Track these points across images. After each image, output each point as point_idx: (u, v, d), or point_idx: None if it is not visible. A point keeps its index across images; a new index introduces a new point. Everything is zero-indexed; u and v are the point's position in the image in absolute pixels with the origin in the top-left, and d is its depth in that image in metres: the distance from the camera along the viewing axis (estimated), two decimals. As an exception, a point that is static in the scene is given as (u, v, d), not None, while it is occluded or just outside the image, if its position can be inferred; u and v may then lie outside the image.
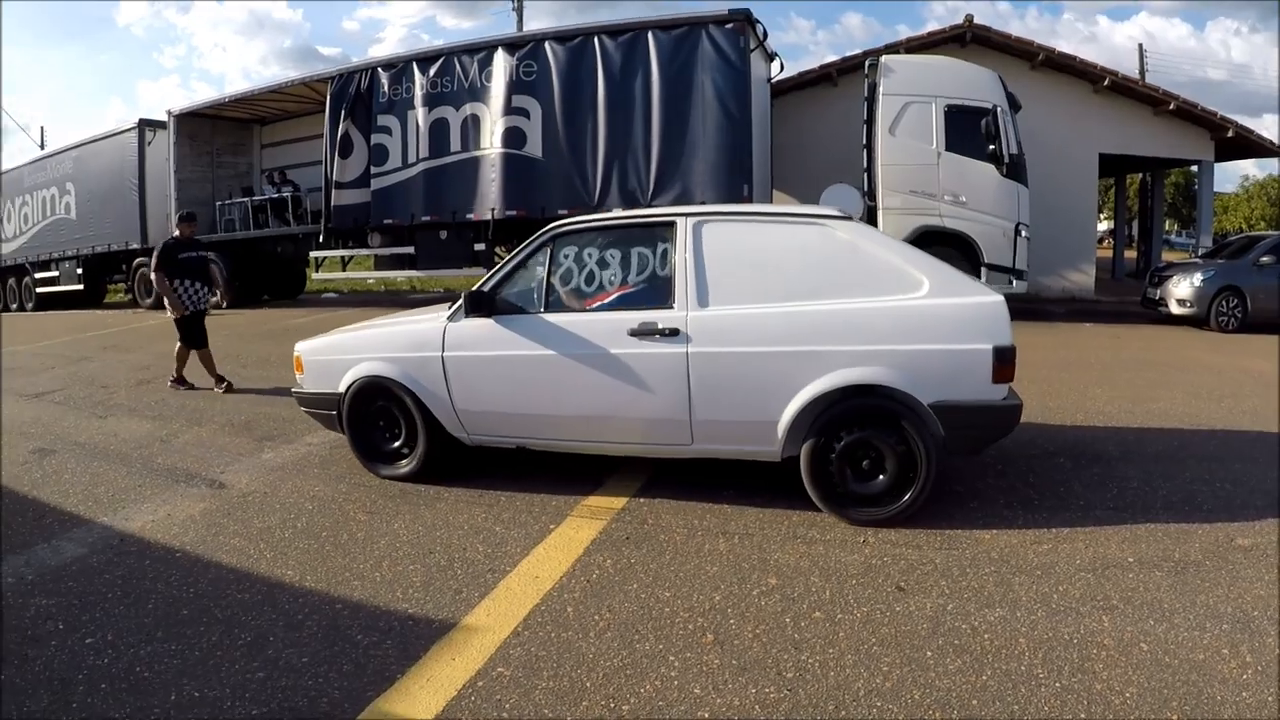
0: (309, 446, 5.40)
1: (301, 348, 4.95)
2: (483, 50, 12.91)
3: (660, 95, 11.77)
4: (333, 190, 13.93)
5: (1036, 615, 2.91)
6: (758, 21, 11.82)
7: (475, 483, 4.46)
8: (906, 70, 11.43)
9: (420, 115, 13.21)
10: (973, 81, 11.06)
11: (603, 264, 4.14)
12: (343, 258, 15.08)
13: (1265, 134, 16.31)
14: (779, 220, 4.02)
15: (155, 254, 7.46)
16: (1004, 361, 3.61)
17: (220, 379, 7.57)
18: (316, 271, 15.75)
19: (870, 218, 11.46)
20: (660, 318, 3.86)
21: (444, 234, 13.21)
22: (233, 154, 17.94)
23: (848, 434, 3.72)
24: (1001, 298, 3.72)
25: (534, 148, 12.43)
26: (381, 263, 14.40)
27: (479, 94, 12.84)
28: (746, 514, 3.96)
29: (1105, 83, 14.82)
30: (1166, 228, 37.71)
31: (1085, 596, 3.04)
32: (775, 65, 13.49)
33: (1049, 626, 2.82)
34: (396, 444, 4.62)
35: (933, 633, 2.80)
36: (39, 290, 19.81)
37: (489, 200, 12.70)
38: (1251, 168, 72.85)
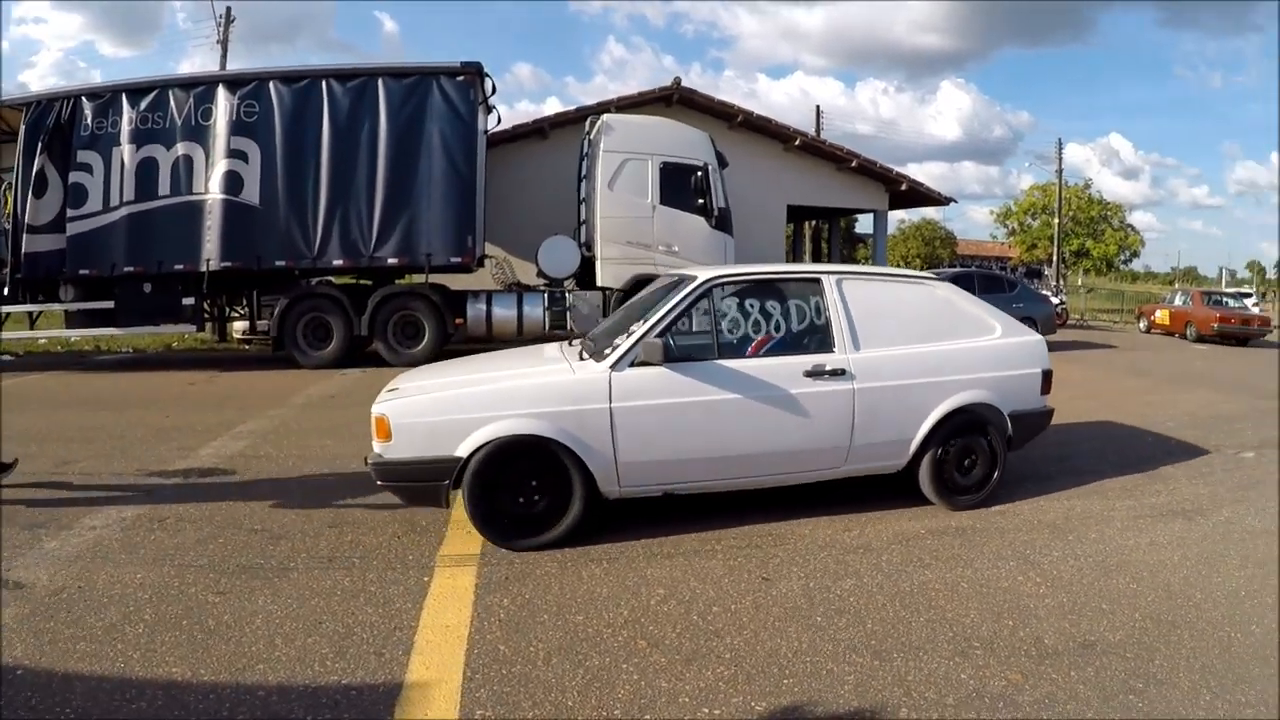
0: (93, 531, 4.63)
1: (387, 409, 4.28)
2: (202, 85, 11.93)
3: (387, 144, 11.74)
4: (24, 235, 11.71)
5: (878, 579, 3.74)
6: (488, 75, 12.27)
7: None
8: (625, 129, 12.44)
9: (126, 153, 11.74)
10: (686, 141, 12.41)
11: (764, 313, 4.67)
12: (30, 314, 12.63)
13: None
14: (897, 280, 5.08)
15: None
16: (1048, 380, 5.15)
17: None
18: (-2, 330, 13.13)
19: (588, 268, 12.25)
20: (828, 360, 4.51)
21: (148, 286, 11.83)
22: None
23: (952, 442, 4.78)
24: (1042, 337, 5.28)
25: (251, 194, 11.72)
26: (74, 320, 12.21)
27: (194, 133, 11.79)
28: (596, 543, 4.29)
29: (796, 142, 17.46)
30: (837, 267, 45.54)
31: (905, 560, 3.98)
32: (493, 117, 13.90)
33: (892, 585, 3.67)
34: (538, 508, 4.25)
35: (811, 604, 3.49)
36: None
37: (202, 250, 11.72)
38: (904, 213, 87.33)
